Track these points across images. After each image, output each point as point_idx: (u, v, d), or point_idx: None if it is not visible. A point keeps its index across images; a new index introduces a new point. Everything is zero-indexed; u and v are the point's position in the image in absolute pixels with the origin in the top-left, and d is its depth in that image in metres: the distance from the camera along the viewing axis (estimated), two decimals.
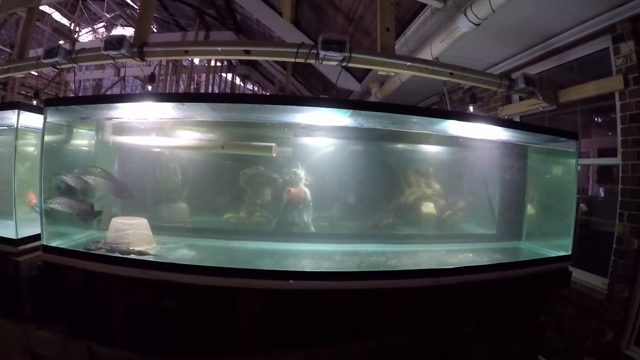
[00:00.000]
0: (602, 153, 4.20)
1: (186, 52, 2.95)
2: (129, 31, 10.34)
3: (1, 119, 3.17)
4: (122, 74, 10.04)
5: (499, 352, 2.81)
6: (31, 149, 3.15)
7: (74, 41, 6.52)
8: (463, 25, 3.29)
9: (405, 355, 2.55)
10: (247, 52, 2.95)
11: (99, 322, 2.54)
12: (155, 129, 2.96)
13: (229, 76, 10.86)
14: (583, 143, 4.64)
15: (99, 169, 2.93)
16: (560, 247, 3.04)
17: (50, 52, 3.22)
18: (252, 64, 10.91)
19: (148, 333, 2.50)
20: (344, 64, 3.00)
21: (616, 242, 3.44)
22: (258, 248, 2.90)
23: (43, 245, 2.53)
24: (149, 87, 5.29)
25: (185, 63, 8.92)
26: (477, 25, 3.25)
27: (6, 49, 7.91)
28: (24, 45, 3.64)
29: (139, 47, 2.99)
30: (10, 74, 3.55)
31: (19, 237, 2.73)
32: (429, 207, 3.38)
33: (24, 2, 3.81)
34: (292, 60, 2.96)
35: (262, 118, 2.91)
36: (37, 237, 2.74)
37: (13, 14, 5.38)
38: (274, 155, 2.85)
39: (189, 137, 2.98)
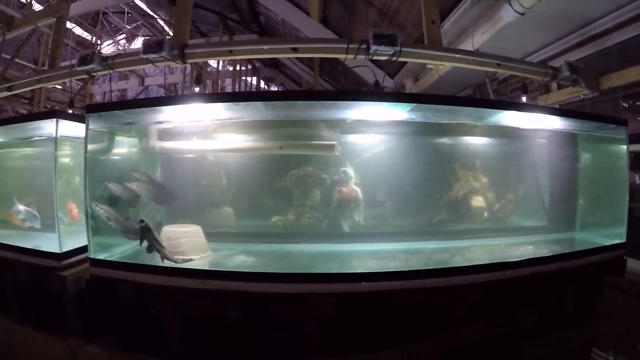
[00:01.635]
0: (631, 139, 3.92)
1: (230, 52, 2.64)
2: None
3: (37, 129, 2.89)
4: (145, 84, 9.76)
5: (557, 344, 2.57)
6: (67, 159, 2.85)
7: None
8: (508, 15, 2.99)
9: (473, 352, 2.32)
10: (295, 50, 2.65)
11: (151, 336, 2.27)
12: (202, 132, 2.64)
13: (253, 80, 10.54)
14: None
15: (140, 174, 2.62)
16: (614, 235, 2.78)
17: (85, 59, 2.90)
18: (277, 66, 10.54)
19: (202, 346, 2.22)
20: (394, 58, 2.71)
21: None
22: (315, 251, 2.64)
23: (90, 258, 2.23)
24: (196, 89, 4.96)
25: (209, 69, 8.58)
26: (522, 14, 2.96)
27: (30, 65, 7.59)
28: (55, 55, 3.31)
29: (179, 49, 2.68)
30: (42, 85, 3.23)
31: (63, 250, 2.41)
32: (479, 201, 3.10)
33: (52, 12, 3.49)
34: (343, 56, 2.66)
35: (311, 115, 2.60)
36: (80, 250, 2.49)
37: (37, 30, 5.08)
38: (336, 154, 2.54)
39: (241, 140, 2.66)
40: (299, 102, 2.35)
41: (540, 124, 2.83)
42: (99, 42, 9.05)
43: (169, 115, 2.48)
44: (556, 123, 2.84)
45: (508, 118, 2.65)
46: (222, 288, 2.06)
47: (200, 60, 3.51)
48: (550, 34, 3.64)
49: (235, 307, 2.06)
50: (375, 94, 2.59)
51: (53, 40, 3.42)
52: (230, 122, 2.47)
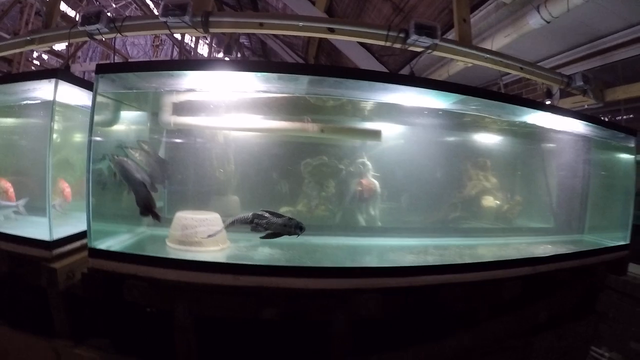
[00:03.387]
0: None
1: (261, 25, 2.24)
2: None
3: (27, 91, 2.28)
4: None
5: (563, 339, 2.52)
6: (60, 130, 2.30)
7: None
8: (534, 22, 2.89)
9: (495, 344, 2.22)
10: (332, 30, 2.31)
11: (154, 338, 1.88)
12: (229, 107, 2.20)
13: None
14: None
15: (148, 145, 2.17)
16: (618, 238, 2.82)
17: (89, 19, 2.36)
18: (267, 55, 9.89)
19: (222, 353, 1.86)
20: (429, 51, 2.46)
21: None
22: (343, 244, 2.33)
23: (90, 248, 1.78)
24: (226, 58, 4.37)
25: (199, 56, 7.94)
26: (548, 22, 2.84)
27: (7, 37, 6.60)
28: (52, 13, 2.70)
29: (203, 17, 2.24)
30: (34, 46, 2.62)
31: (54, 238, 1.92)
32: (491, 201, 2.95)
33: None
34: (382, 42, 2.36)
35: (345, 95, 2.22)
36: (73, 237, 2.03)
37: (16, 3, 4.34)
38: (381, 141, 2.22)
39: (270, 119, 2.25)
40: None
41: (560, 126, 2.70)
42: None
43: (190, 84, 2.05)
44: (572, 127, 2.73)
45: (537, 118, 2.52)
46: (257, 284, 1.69)
47: (225, 31, 3.02)
48: (562, 43, 3.58)
49: (274, 306, 1.70)
50: (431, 81, 2.29)
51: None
52: (263, 98, 2.07)
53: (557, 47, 3.65)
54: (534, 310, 2.30)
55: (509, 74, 3.07)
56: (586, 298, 2.70)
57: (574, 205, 3.04)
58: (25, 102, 2.39)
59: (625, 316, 3.31)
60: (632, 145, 2.80)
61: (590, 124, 2.64)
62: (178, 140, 2.47)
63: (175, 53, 7.65)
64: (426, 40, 2.40)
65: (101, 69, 1.88)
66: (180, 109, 2.18)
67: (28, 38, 2.63)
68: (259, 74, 1.84)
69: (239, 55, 8.67)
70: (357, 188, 2.59)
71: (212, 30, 2.34)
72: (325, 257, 2.11)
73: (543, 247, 2.63)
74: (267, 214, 1.89)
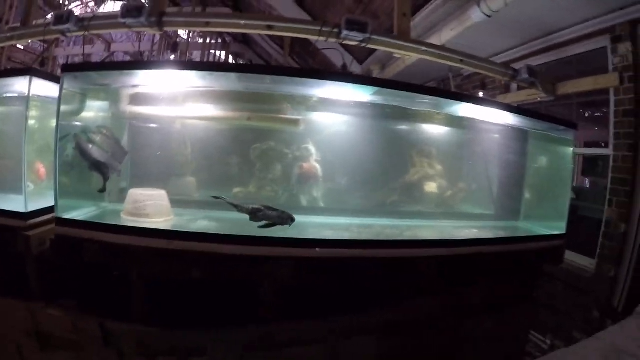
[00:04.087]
0: (587, 145, 4.39)
1: (207, 24, 2.82)
2: (119, 6, 9.81)
3: (6, 85, 2.95)
4: (112, 50, 9.60)
5: (498, 324, 2.88)
6: (34, 120, 2.93)
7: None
8: (476, 16, 3.33)
9: (419, 324, 2.59)
10: (270, 27, 2.86)
11: (113, 298, 2.41)
12: (174, 99, 2.81)
13: (222, 54, 10.55)
14: None
15: (107, 130, 2.72)
16: (555, 228, 3.14)
17: (60, 19, 2.99)
18: (247, 42, 10.59)
19: (166, 306, 2.39)
20: (363, 44, 2.96)
21: (605, 226, 3.61)
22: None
23: (56, 217, 2.33)
24: (172, 57, 5.02)
25: (178, 39, 8.55)
26: (489, 17, 3.29)
27: None
28: (29, 11, 3.36)
29: (157, 17, 2.84)
30: (13, 42, 3.27)
31: (28, 210, 2.50)
32: (432, 187, 3.39)
33: None
34: (316, 37, 2.89)
35: (279, 90, 2.80)
36: (45, 210, 2.59)
37: None
38: (300, 128, 2.78)
39: (211, 109, 2.84)
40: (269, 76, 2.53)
41: (495, 118, 3.13)
42: (66, 2, 8.83)
43: (142, 80, 2.65)
44: (510, 119, 3.16)
45: (465, 110, 2.98)
46: (187, 249, 2.21)
47: (176, 29, 3.62)
48: (516, 38, 4.01)
49: (199, 267, 2.23)
50: (344, 74, 2.83)
51: None
52: (202, 91, 2.66)
53: (512, 41, 4.10)
54: (463, 294, 2.66)
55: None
56: (523, 285, 3.05)
57: (510, 194, 3.47)
58: (5, 94, 3.03)
59: (569, 306, 3.76)
60: (571, 138, 3.15)
61: (523, 115, 3.10)
62: (140, 126, 3.03)
63: (157, 37, 8.27)
64: (358, 35, 2.89)
65: (66, 69, 2.49)
66: (133, 99, 2.79)
67: (8, 35, 3.28)
68: (193, 72, 2.43)
69: (219, 40, 9.28)
70: (298, 171, 3.06)
71: (166, 28, 2.93)
72: (254, 230, 2.54)
73: (468, 231, 3.04)
74: (263, 208, 2.42)
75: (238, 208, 2.44)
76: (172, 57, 4.81)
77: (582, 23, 3.66)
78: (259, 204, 2.46)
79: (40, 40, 3.89)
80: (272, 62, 9.64)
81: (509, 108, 3.04)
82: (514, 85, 4.16)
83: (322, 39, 2.92)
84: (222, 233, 2.38)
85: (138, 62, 3.98)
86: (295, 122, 2.72)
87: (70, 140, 2.52)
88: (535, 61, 4.11)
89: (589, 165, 4.39)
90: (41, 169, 3.07)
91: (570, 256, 3.86)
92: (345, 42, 2.97)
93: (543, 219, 3.35)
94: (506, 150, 3.47)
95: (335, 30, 2.91)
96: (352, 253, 2.33)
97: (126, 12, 2.80)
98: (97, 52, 10.05)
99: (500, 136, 3.44)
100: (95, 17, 3.06)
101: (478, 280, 2.74)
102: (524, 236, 3.10)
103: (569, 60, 4.00)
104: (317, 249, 2.31)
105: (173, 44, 4.34)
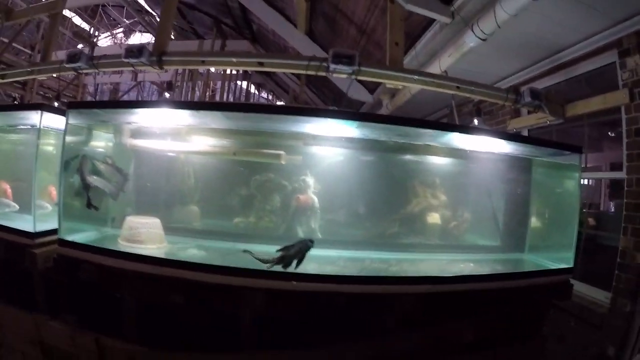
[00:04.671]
0: (614, 167, 4.29)
1: (203, 62, 3.19)
2: (146, 37, 10.74)
3: (23, 118, 3.45)
4: (139, 79, 10.44)
5: None
6: (50, 147, 3.39)
7: (93, 46, 6.84)
8: (470, 40, 3.45)
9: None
10: (261, 64, 3.18)
11: (109, 315, 2.69)
12: (171, 134, 3.17)
13: (244, 84, 11.18)
14: (594, 157, 4.74)
15: (112, 160, 3.10)
16: (562, 260, 3.11)
17: (73, 57, 3.48)
18: (267, 73, 11.17)
19: (155, 328, 2.65)
20: (354, 76, 3.18)
21: (620, 256, 3.50)
22: (265, 251, 2.96)
23: (59, 238, 2.71)
24: (167, 95, 5.53)
25: (201, 71, 9.21)
26: (484, 40, 3.41)
27: (27, 50, 8.30)
28: (48, 49, 3.91)
29: (158, 56, 3.23)
30: (33, 76, 3.82)
31: (37, 230, 2.90)
32: (434, 218, 3.49)
33: (48, 8, 4.09)
34: (304, 72, 3.15)
35: (273, 127, 3.10)
36: (53, 231, 2.89)
37: (34, 18, 5.76)
38: (283, 163, 3.04)
39: (202, 143, 3.19)
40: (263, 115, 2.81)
41: (493, 147, 3.21)
42: (96, 33, 9.76)
43: (140, 117, 3.02)
44: (508, 147, 3.21)
45: (459, 140, 3.09)
46: (170, 275, 2.48)
47: (176, 68, 4.05)
48: (519, 60, 4.09)
49: (180, 293, 2.48)
50: (322, 110, 3.05)
51: (46, 36, 4.02)
52: (196, 127, 2.99)
53: (517, 64, 4.17)
54: (453, 329, 2.70)
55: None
56: (528, 322, 3.01)
57: (515, 225, 3.50)
58: (22, 125, 3.54)
59: (582, 342, 3.68)
60: (577, 163, 3.11)
61: (522, 143, 3.17)
62: (143, 158, 3.41)
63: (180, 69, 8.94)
64: (346, 68, 3.13)
65: (71, 106, 2.90)
66: (134, 133, 3.17)
67: (29, 69, 3.81)
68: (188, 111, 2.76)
69: (240, 71, 9.75)
70: (295, 203, 3.27)
71: (165, 67, 3.32)
72: (237, 260, 2.72)
73: (463, 265, 3.11)
74: (283, 253, 2.52)
75: (265, 261, 2.54)
76: (167, 95, 5.24)
77: (586, 39, 3.68)
78: (275, 251, 2.57)
79: (77, 73, 4.38)
80: (290, 91, 10.06)
81: (507, 136, 3.14)
82: (524, 110, 4.20)
83: (310, 72, 3.18)
84: (200, 262, 2.61)
85: (132, 102, 4.46)
86: (278, 157, 2.96)
87: (76, 165, 2.91)
88: (543, 83, 4.16)
89: (614, 189, 4.30)
90: (53, 191, 3.50)
91: (584, 289, 3.82)
92: (335, 74, 3.21)
93: (550, 250, 3.35)
94: (509, 179, 3.53)
95: (324, 64, 3.15)
96: (325, 287, 2.47)
97: (129, 52, 3.23)
98: (125, 81, 10.92)
99: (503, 165, 3.49)
100: (104, 56, 3.52)
101: (470, 317, 2.76)
102: (518, 272, 3.13)
103: (578, 79, 4.00)
104: (294, 282, 2.45)
105: (168, 83, 4.77)
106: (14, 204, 3.51)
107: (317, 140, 3.23)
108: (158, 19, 9.52)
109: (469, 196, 3.68)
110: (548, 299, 3.19)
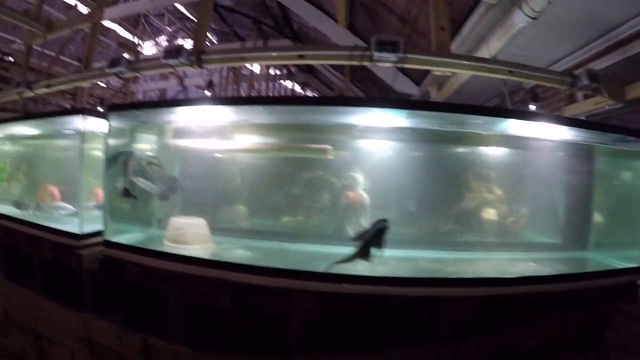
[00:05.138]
0: None
1: (242, 59, 3.02)
2: (189, 43, 10.76)
3: (68, 123, 3.37)
4: (184, 84, 10.55)
5: None
6: (95, 151, 3.31)
7: (137, 53, 6.89)
8: (519, 20, 3.10)
9: None
10: (301, 57, 2.97)
11: (154, 316, 2.57)
12: (213, 132, 3.02)
13: (288, 84, 11.08)
14: None
15: (158, 160, 2.96)
16: (631, 258, 2.77)
17: (114, 63, 3.40)
18: (311, 71, 11.04)
19: (201, 329, 2.52)
20: (399, 64, 2.93)
21: None
22: (314, 251, 2.85)
23: (104, 240, 2.66)
24: (207, 93, 5.42)
25: (245, 72, 9.16)
26: (534, 19, 3.05)
27: (74, 62, 8.52)
28: (89, 57, 3.87)
29: (196, 55, 3.09)
30: (77, 83, 3.78)
31: (84, 232, 2.87)
32: (490, 214, 3.16)
33: (87, 18, 4.06)
34: (347, 62, 2.92)
35: (320, 120, 2.89)
36: (97, 233, 2.86)
37: (79, 30, 5.81)
38: (330, 157, 2.84)
39: (246, 141, 3.03)
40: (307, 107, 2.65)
41: (553, 134, 2.86)
42: (140, 43, 9.90)
43: (181, 116, 2.88)
44: (567, 135, 2.83)
45: (515, 128, 2.75)
46: (216, 276, 2.34)
47: (215, 66, 3.91)
48: (572, 40, 3.68)
49: (225, 294, 2.33)
50: (373, 100, 2.81)
51: (88, 44, 3.99)
52: (239, 124, 2.82)
53: (570, 45, 3.75)
54: (513, 336, 2.41)
55: None
56: (589, 328, 2.70)
57: (577, 220, 3.14)
58: (66, 131, 3.47)
59: None
60: None
61: (583, 128, 2.78)
62: (189, 158, 3.28)
63: (224, 70, 8.81)
64: (390, 55, 2.87)
65: (111, 108, 2.80)
66: (176, 133, 3.04)
67: (73, 77, 3.78)
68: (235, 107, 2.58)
69: (284, 71, 9.49)
70: (344, 200, 3.06)
71: (204, 65, 3.17)
72: (285, 260, 2.64)
73: (524, 265, 2.78)
74: (363, 241, 2.28)
75: (347, 260, 2.32)
76: (208, 93, 5.13)
77: None
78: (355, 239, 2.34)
79: (119, 78, 4.34)
80: (334, 89, 9.82)
81: (568, 121, 2.77)
82: (580, 94, 3.79)
83: (353, 63, 2.94)
84: (247, 263, 2.46)
85: (171, 101, 4.37)
86: (324, 151, 2.74)
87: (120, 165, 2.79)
88: (599, 64, 3.72)
89: None
90: (100, 193, 3.42)
91: None
92: (379, 63, 2.96)
93: (616, 248, 3.01)
94: (570, 169, 3.18)
95: (367, 53, 2.91)
96: (377, 290, 2.24)
97: (167, 53, 3.10)
98: (171, 86, 11.08)
99: (563, 154, 3.15)
100: (144, 59, 3.42)
101: (530, 323, 2.46)
102: (582, 272, 2.80)
103: (637, 58, 3.52)
104: (344, 285, 2.25)
105: (208, 82, 4.65)
106: (70, 206, 3.49)
107: (365, 133, 2.99)
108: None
109: (527, 189, 3.31)
110: (613, 302, 2.75)
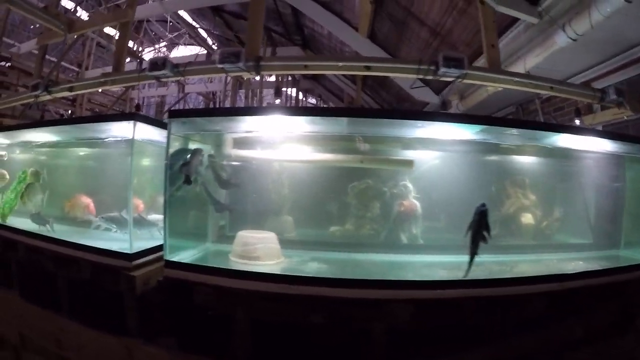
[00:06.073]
0: None
1: (306, 67, 2.74)
2: (190, 49, 10.11)
3: (108, 130, 2.95)
4: (186, 91, 9.84)
5: (599, 355, 2.54)
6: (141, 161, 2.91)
7: (140, 60, 6.33)
8: (561, 40, 3.13)
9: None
10: (368, 68, 2.76)
11: (216, 338, 2.28)
12: (279, 142, 2.74)
13: (292, 91, 10.65)
14: None
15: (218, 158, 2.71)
16: None
17: (156, 65, 2.97)
18: (316, 78, 10.63)
19: (272, 351, 2.23)
20: (459, 80, 2.81)
21: None
22: (380, 260, 2.70)
23: (166, 260, 2.27)
24: (277, 101, 5.03)
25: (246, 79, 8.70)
26: (574, 40, 3.08)
27: (73, 67, 7.71)
28: (120, 60, 3.39)
29: (255, 61, 2.77)
30: (107, 87, 3.30)
31: (133, 251, 2.48)
32: (528, 218, 3.15)
33: (117, 17, 3.56)
34: (414, 76, 2.77)
35: (371, 132, 2.74)
36: (146, 252, 2.56)
37: (80, 36, 5.19)
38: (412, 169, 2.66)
39: (321, 153, 2.78)
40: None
41: (590, 145, 2.91)
42: (140, 48, 9.15)
43: (246, 126, 2.57)
44: (604, 145, 2.93)
45: (562, 140, 2.78)
46: (306, 293, 2.10)
47: (274, 73, 3.59)
48: (596, 56, 3.73)
49: (318, 311, 2.09)
50: (447, 115, 2.67)
51: (118, 45, 3.50)
52: (308, 134, 2.56)
53: (589, 61, 3.81)
54: (565, 327, 2.42)
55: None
56: (624, 315, 2.72)
57: (609, 221, 3.19)
58: (109, 139, 3.02)
59: None
60: None
61: (619, 140, 2.85)
62: (240, 167, 2.97)
63: (228, 78, 8.25)
64: (455, 71, 2.75)
65: (173, 114, 2.43)
66: (238, 143, 2.71)
67: (102, 80, 3.29)
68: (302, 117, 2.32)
69: (289, 78, 8.95)
70: (399, 209, 2.92)
71: (263, 72, 2.86)
72: (364, 271, 2.48)
73: (574, 264, 2.82)
74: (470, 233, 2.23)
75: (471, 260, 2.25)
76: (277, 101, 4.77)
77: None
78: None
79: (158, 81, 3.87)
80: (344, 96, 9.56)
81: (604, 134, 2.84)
82: (596, 105, 3.88)
83: (420, 77, 2.79)
84: (341, 277, 2.24)
85: (242, 109, 3.95)
86: (409, 163, 2.57)
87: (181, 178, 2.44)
88: (614, 78, 3.82)
89: None
90: (140, 205, 3.04)
91: None
92: (443, 78, 2.83)
93: None
94: (601, 174, 3.20)
95: (432, 67, 2.76)
96: (468, 293, 2.17)
97: (224, 57, 2.74)
98: (171, 93, 10.33)
99: (597, 162, 3.16)
100: (191, 62, 3.03)
101: (583, 312, 2.51)
102: (622, 266, 2.80)
103: None
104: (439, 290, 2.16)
105: (276, 89, 4.29)
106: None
107: (416, 144, 2.85)
108: (202, 31, 8.99)
109: (564, 194, 3.31)
110: None
